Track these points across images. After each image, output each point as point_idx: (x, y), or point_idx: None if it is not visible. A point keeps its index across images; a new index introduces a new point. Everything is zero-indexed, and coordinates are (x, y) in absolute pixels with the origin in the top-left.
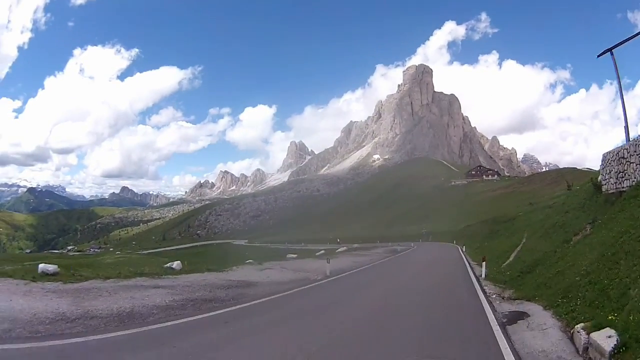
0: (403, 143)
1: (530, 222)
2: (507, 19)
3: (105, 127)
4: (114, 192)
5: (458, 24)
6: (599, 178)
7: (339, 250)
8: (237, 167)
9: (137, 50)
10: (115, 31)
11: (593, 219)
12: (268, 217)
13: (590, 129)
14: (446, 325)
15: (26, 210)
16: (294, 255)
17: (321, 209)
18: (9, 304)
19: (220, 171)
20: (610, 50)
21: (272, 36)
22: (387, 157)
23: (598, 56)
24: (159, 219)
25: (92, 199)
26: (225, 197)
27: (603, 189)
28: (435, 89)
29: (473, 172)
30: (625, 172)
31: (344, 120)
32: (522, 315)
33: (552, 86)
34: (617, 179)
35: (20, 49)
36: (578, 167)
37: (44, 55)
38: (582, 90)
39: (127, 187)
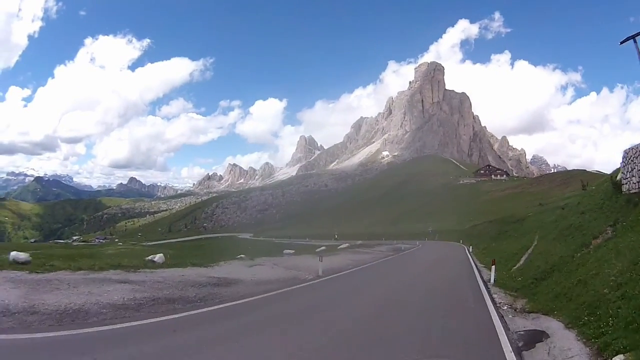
0: (413, 140)
1: (541, 223)
2: (521, 19)
3: (114, 117)
4: (121, 183)
5: (471, 22)
6: (618, 177)
7: (341, 246)
8: (246, 160)
9: (148, 40)
10: (127, 21)
11: (614, 221)
12: (275, 211)
13: (599, 133)
14: (447, 350)
15: (33, 199)
16: (291, 251)
17: (328, 204)
18: None
19: (229, 164)
20: (633, 37)
21: (285, 30)
22: (396, 154)
23: (621, 43)
24: (166, 210)
25: (99, 189)
26: (233, 190)
27: (624, 189)
28: (447, 87)
29: (482, 171)
30: None
31: (354, 116)
32: (540, 336)
33: (563, 88)
34: None
35: (30, 37)
36: (587, 170)
37: (54, 44)
38: (593, 93)
39: (134, 178)
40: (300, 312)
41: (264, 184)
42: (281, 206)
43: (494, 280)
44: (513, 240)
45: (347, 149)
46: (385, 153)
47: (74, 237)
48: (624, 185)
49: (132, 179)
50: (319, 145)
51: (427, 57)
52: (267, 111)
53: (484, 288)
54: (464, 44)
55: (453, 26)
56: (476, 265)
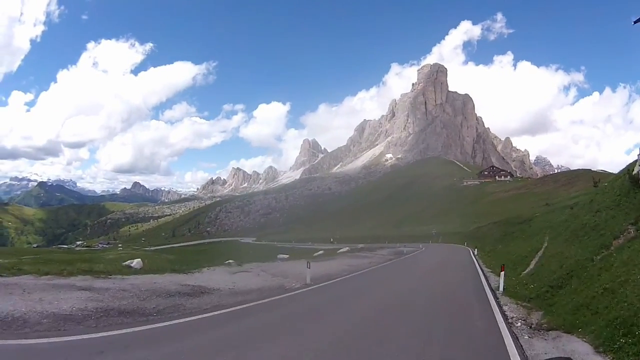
0: (416, 142)
1: (550, 224)
2: (523, 19)
3: (117, 122)
4: (125, 188)
5: (474, 24)
6: (635, 170)
7: (341, 250)
8: (250, 164)
9: (151, 44)
10: (130, 25)
11: (636, 219)
12: (278, 215)
13: (602, 133)
14: None
15: (36, 204)
16: (286, 256)
17: (332, 207)
18: None
19: (233, 168)
20: None
21: (288, 34)
22: (399, 156)
23: (634, 22)
24: (170, 215)
25: (103, 194)
26: (237, 194)
27: None
28: (450, 89)
29: (486, 173)
30: None
31: (358, 119)
32: None
33: (566, 88)
34: None
35: (33, 42)
36: (592, 169)
37: (57, 48)
38: (596, 93)
39: (138, 183)
40: (262, 333)
41: (268, 188)
42: (285, 210)
43: (504, 289)
44: (520, 242)
45: (350, 152)
46: (388, 155)
47: (78, 242)
48: None
49: (135, 184)
50: (322, 148)
51: (430, 59)
52: (270, 115)
53: (492, 298)
54: (467, 45)
55: (455, 28)
56: (482, 270)
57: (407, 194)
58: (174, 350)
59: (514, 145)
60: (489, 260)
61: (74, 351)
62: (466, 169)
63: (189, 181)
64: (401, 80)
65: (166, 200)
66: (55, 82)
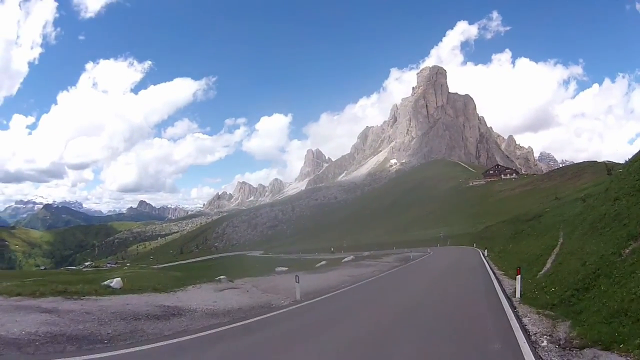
0: (419, 146)
1: (564, 218)
2: (518, 16)
3: (120, 141)
4: (131, 207)
5: (470, 23)
6: None
7: (345, 259)
8: (255, 178)
9: (149, 62)
10: (127, 44)
11: None
12: (285, 227)
13: (604, 124)
14: None
15: (43, 227)
16: (285, 269)
17: (338, 216)
18: None
19: (238, 182)
20: None
21: (286, 46)
22: (404, 161)
23: None
24: (177, 232)
25: (109, 214)
26: (243, 208)
27: None
28: (450, 90)
29: (491, 172)
30: None
31: (360, 126)
32: None
33: (566, 82)
34: None
35: (31, 64)
36: (597, 161)
37: (55, 70)
38: (595, 85)
39: (144, 201)
40: None
41: (274, 200)
42: (291, 221)
43: (521, 295)
44: (532, 239)
45: (354, 160)
46: (393, 161)
47: (86, 263)
48: None
49: (142, 203)
50: (326, 157)
51: (429, 62)
52: (272, 127)
53: (509, 307)
54: (465, 45)
55: (452, 29)
56: (494, 273)
57: (413, 198)
58: None
59: (517, 142)
60: (500, 261)
61: None
62: (471, 169)
63: (195, 197)
64: (401, 84)
65: (173, 218)
66: (56, 104)
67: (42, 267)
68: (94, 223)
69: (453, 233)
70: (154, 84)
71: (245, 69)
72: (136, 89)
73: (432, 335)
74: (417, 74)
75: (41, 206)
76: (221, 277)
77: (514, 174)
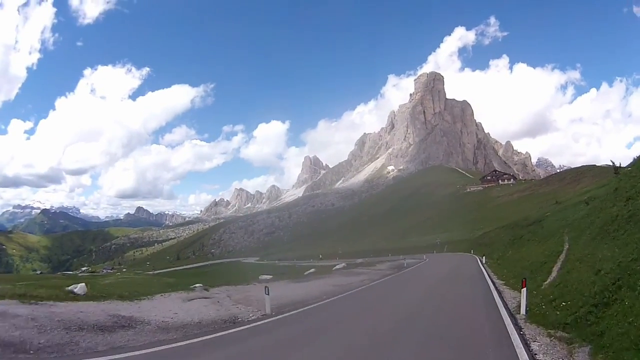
0: (417, 152)
1: (567, 222)
2: (516, 21)
3: (118, 147)
4: (129, 213)
5: (467, 29)
6: None
7: (337, 267)
8: (252, 184)
9: (148, 69)
10: (125, 50)
11: None
12: (282, 233)
13: (602, 129)
14: None
15: (40, 231)
16: (269, 277)
17: (335, 223)
18: None
19: (235, 189)
20: None
21: (283, 52)
22: (401, 167)
23: None
24: (174, 238)
25: (107, 219)
26: (241, 214)
27: None
28: (448, 97)
29: (488, 177)
30: None
31: (358, 133)
32: None
33: (563, 87)
34: None
35: (29, 69)
36: (597, 164)
37: (53, 75)
38: (593, 90)
39: (142, 207)
40: None
41: (271, 207)
42: (288, 228)
43: (526, 312)
44: (534, 245)
45: (352, 167)
46: (390, 167)
47: (83, 268)
48: None
49: (139, 209)
50: (324, 164)
51: (426, 68)
52: (270, 134)
53: (513, 328)
54: (462, 51)
55: (450, 35)
56: (493, 283)
57: (411, 205)
58: None
59: (515, 148)
60: (499, 269)
61: None
62: (469, 175)
63: (192, 204)
64: (399, 91)
65: (170, 224)
66: (54, 109)
67: (38, 272)
68: (92, 228)
69: (450, 239)
70: (152, 91)
71: (243, 76)
72: (134, 95)
73: None
74: (415, 80)
75: (39, 211)
76: (197, 285)
77: (512, 180)
